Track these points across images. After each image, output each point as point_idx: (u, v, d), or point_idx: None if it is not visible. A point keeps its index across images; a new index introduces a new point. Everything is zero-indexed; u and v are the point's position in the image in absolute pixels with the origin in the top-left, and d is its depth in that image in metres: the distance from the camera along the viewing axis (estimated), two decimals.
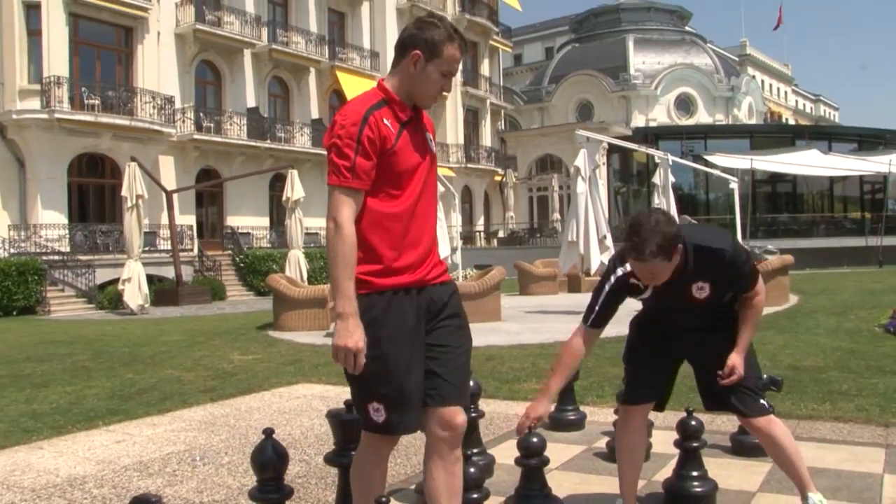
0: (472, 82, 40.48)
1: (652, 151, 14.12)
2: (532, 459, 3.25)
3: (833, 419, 4.99)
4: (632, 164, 39.30)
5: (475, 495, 3.31)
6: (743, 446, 4.21)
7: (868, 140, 36.11)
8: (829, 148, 33.34)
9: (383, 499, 2.36)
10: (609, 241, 13.80)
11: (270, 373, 7.48)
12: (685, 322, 3.11)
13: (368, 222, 2.51)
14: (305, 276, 20.70)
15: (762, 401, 3.07)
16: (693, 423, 3.50)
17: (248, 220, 28.20)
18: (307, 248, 22.61)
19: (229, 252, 25.90)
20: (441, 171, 16.37)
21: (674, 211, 14.97)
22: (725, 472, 3.80)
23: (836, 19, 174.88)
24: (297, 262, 20.42)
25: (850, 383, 5.96)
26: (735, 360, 2.98)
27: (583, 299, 13.62)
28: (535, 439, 3.27)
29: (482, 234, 40.52)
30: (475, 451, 3.93)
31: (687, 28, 55.73)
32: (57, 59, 22.40)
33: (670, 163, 13.27)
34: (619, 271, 3.01)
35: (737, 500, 3.51)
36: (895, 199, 34.99)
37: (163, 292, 20.86)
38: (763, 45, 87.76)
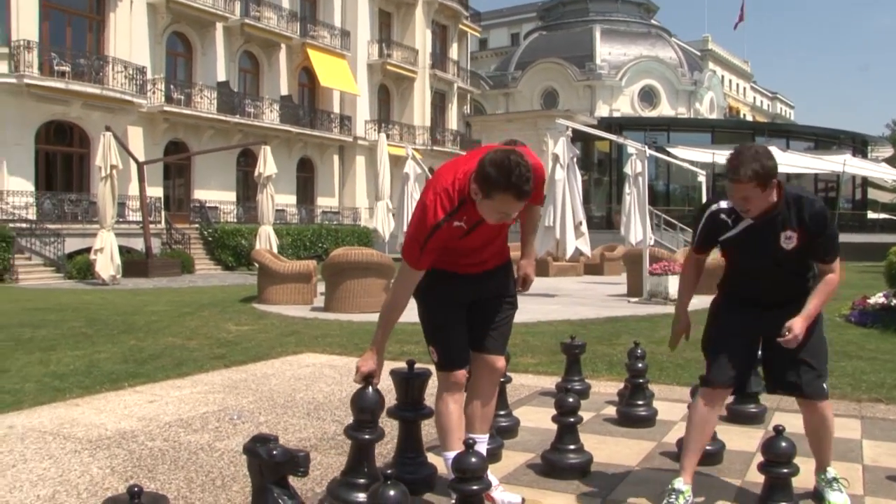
0: (440, 65, 40.65)
1: (631, 143, 14.56)
2: (569, 417, 3.63)
3: None
4: (594, 153, 39.93)
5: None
6: (739, 415, 4.65)
7: (823, 139, 37.26)
8: (787, 145, 34.34)
9: (470, 440, 2.71)
10: (584, 228, 14.26)
11: (273, 342, 7.75)
12: (764, 288, 3.25)
13: (443, 256, 3.07)
14: (276, 251, 20.80)
15: (824, 384, 3.22)
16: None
17: (216, 195, 28.12)
18: (275, 225, 22.66)
19: (197, 226, 25.84)
20: (404, 152, 16.45)
21: (646, 202, 15.47)
22: (726, 436, 4.20)
23: (796, 19, 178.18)
24: (267, 238, 20.51)
25: None
26: (797, 322, 3.07)
27: (554, 283, 14.19)
28: (570, 399, 3.65)
29: None
30: (502, 412, 4.28)
31: (653, 21, 56.52)
32: (26, 23, 22.02)
33: (647, 155, 13.72)
34: (712, 207, 3.25)
35: (738, 458, 3.94)
36: (846, 198, 36.21)
37: (132, 264, 20.79)
38: (724, 41, 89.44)
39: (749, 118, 66.11)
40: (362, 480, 3.07)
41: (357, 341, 7.86)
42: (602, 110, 48.32)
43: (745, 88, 73.69)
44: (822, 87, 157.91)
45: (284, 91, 31.61)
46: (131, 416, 4.73)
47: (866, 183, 37.42)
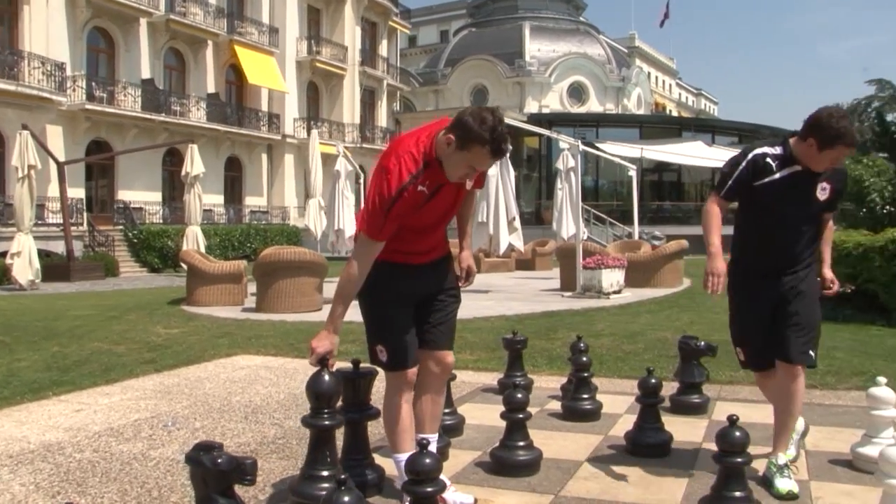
0: (369, 62, 40.36)
1: (564, 138, 14.64)
2: (518, 413, 3.56)
3: (751, 384, 5.52)
4: (523, 150, 40.19)
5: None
6: (682, 406, 4.66)
7: (746, 134, 38.25)
8: (712, 140, 35.18)
9: (424, 440, 2.61)
10: (517, 223, 14.28)
11: (205, 345, 7.50)
12: (782, 246, 3.45)
13: (389, 242, 2.96)
14: (203, 252, 20.31)
15: (811, 353, 3.46)
16: (653, 381, 3.91)
17: (141, 195, 27.30)
18: (202, 225, 22.10)
19: (121, 227, 25.04)
20: (334, 150, 16.09)
21: (578, 197, 15.58)
22: (671, 428, 4.19)
23: (719, 17, 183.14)
24: (195, 239, 20.03)
25: None
26: (828, 272, 3.66)
27: (486, 279, 14.13)
28: (519, 395, 3.58)
29: None
30: (447, 411, 4.19)
31: (581, 18, 57.25)
32: None
33: (581, 150, 13.81)
34: (756, 151, 3.44)
35: (686, 449, 3.93)
36: None
37: (52, 267, 20.01)
38: (650, 38, 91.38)
39: (674, 114, 67.56)
40: (325, 472, 2.91)
41: (292, 341, 7.67)
42: (531, 107, 48.71)
43: (670, 85, 75.31)
44: (743, 83, 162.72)
45: (211, 89, 30.90)
46: (56, 428, 4.48)
47: None
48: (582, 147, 14.27)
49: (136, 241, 23.94)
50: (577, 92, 51.07)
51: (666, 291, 12.82)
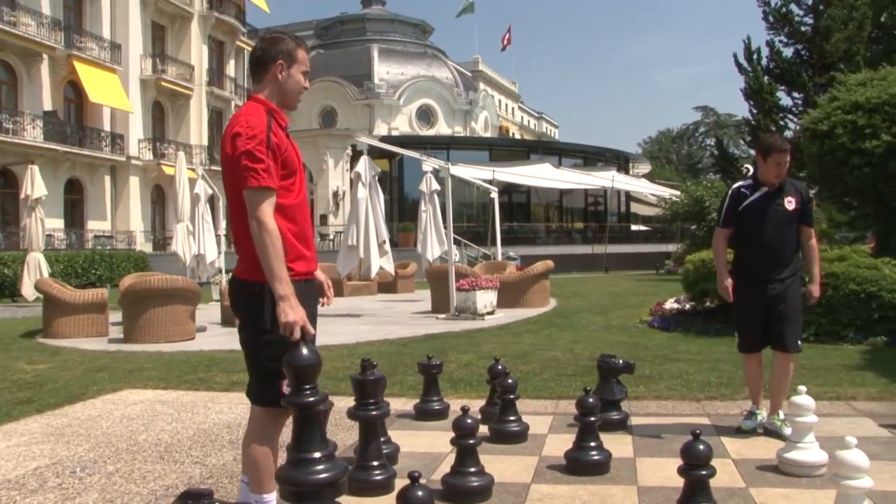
0: (217, 82, 39.28)
1: (434, 160, 14.77)
2: (469, 439, 3.54)
3: (654, 398, 5.78)
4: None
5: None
6: (603, 423, 4.78)
7: (591, 157, 40.06)
8: (559, 162, 36.56)
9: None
10: (388, 246, 14.27)
11: (83, 380, 6.97)
12: (769, 256, 4.54)
13: (277, 215, 2.87)
14: (36, 280, 18.99)
15: (799, 341, 4.63)
16: (591, 400, 4.00)
17: None
18: (44, 252, 20.62)
19: None
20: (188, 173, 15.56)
21: (440, 218, 15.74)
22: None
23: (559, 42, 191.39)
24: (37, 266, 18.69)
25: (649, 369, 6.83)
26: (815, 288, 4.71)
27: (351, 303, 14.00)
28: (469, 420, 3.56)
29: (222, 238, 39.35)
30: (382, 439, 4.10)
31: (428, 42, 58.19)
32: None
33: (451, 173, 13.98)
34: (734, 186, 4.75)
35: (623, 465, 4.04)
36: (612, 211, 39.17)
37: None
38: (493, 62, 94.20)
39: (518, 136, 69.83)
40: (317, 454, 2.65)
41: (178, 373, 7.28)
42: (381, 129, 48.92)
43: (513, 108, 77.81)
44: (582, 107, 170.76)
45: (48, 106, 29.01)
46: None
47: (629, 197, 40.71)
48: (449, 168, 14.43)
49: None
50: (425, 115, 51.79)
51: (537, 311, 13.15)
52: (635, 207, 42.24)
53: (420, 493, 2.43)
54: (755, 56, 25.00)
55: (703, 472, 3.04)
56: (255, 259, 2.84)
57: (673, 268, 28.10)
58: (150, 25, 34.59)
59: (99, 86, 30.42)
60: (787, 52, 25.30)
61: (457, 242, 31.97)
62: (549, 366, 7.23)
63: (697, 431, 3.09)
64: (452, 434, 4.70)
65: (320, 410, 2.81)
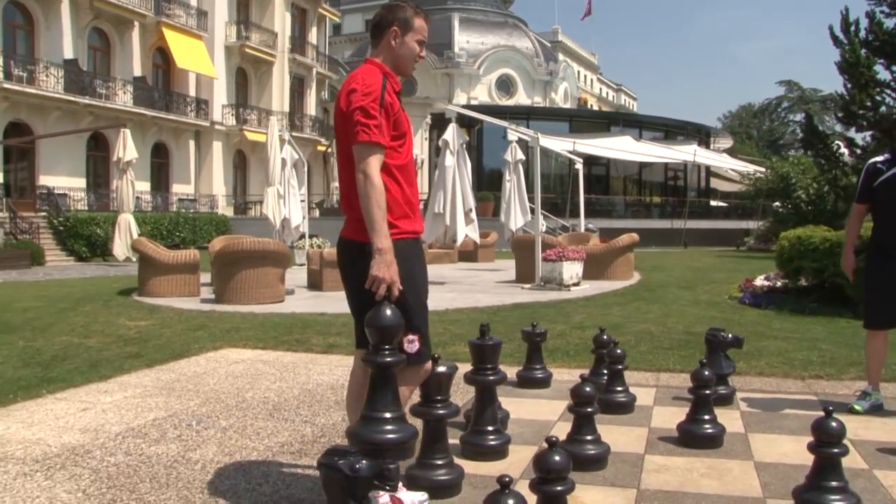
0: (299, 49, 39.65)
1: (525, 131, 14.64)
2: (587, 407, 3.51)
3: (757, 374, 5.64)
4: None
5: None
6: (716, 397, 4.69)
7: (672, 130, 39.14)
8: (640, 135, 35.83)
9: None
10: (474, 214, 14.24)
11: (185, 338, 7.19)
12: None
13: (384, 174, 2.91)
14: (132, 240, 19.62)
15: None
16: (706, 373, 3.92)
17: (64, 181, 26.17)
18: (133, 213, 21.30)
19: (44, 214, 23.91)
20: (263, 138, 15.55)
21: (524, 188, 15.63)
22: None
23: (637, 13, 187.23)
24: (127, 227, 19.35)
25: (747, 346, 6.60)
26: None
27: (433, 270, 13.77)
28: (588, 389, 3.52)
29: (305, 203, 39.92)
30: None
31: (509, 11, 57.54)
32: None
33: (540, 142, 13.84)
34: (869, 161, 4.68)
35: (736, 439, 3.94)
36: (692, 187, 38.28)
37: None
38: (573, 32, 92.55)
39: (596, 108, 68.76)
40: (388, 414, 2.60)
41: (275, 334, 7.44)
42: (460, 98, 48.73)
43: (592, 80, 76.56)
44: (660, 79, 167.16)
45: (138, 72, 29.81)
46: (71, 428, 4.19)
47: (710, 172, 39.73)
48: (532, 138, 14.26)
49: (62, 228, 22.85)
50: (505, 84, 51.37)
51: (622, 284, 12.98)
52: (715, 183, 41.20)
53: (557, 457, 2.41)
54: (853, 28, 23.82)
55: (836, 450, 2.93)
56: (362, 219, 2.86)
57: (755, 245, 27.41)
58: None
59: (186, 52, 31.07)
60: (889, 23, 24.05)
61: (533, 213, 31.91)
62: (644, 338, 7.12)
63: (830, 408, 2.98)
64: (557, 402, 4.75)
65: (396, 371, 2.72)
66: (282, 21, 37.49)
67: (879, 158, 4.62)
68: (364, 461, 2.18)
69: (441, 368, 3.08)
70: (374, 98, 2.87)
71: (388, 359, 2.64)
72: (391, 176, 2.95)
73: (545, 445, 2.62)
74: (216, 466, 3.53)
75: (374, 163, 2.85)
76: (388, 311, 2.67)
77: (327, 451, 2.25)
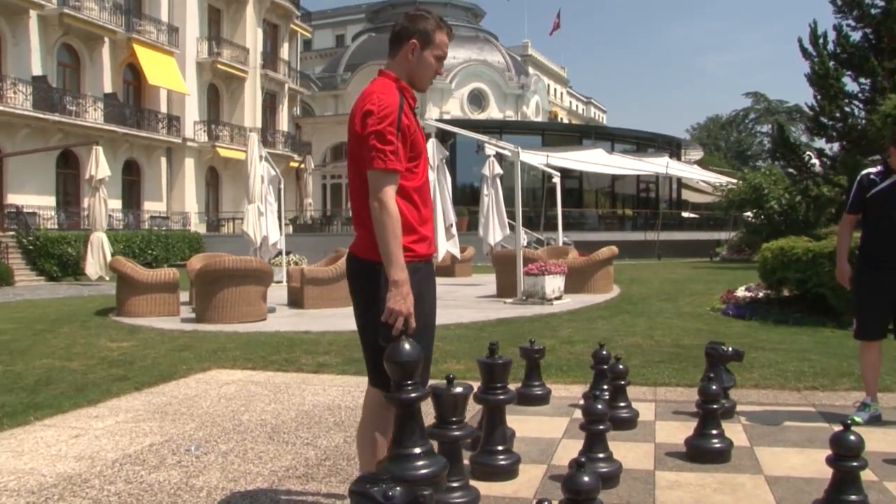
0: (271, 65, 39.51)
1: (504, 145, 14.66)
2: (599, 425, 3.47)
3: (753, 387, 5.65)
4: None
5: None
6: None
7: (643, 142, 39.51)
8: (611, 148, 36.11)
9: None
10: (454, 230, 14.20)
11: (172, 359, 7.06)
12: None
13: (400, 197, 2.80)
14: (110, 260, 19.31)
15: None
16: (713, 387, 3.90)
17: (33, 199, 25.73)
18: (106, 231, 20.97)
19: (12, 233, 23.45)
20: (236, 155, 15.47)
21: (502, 202, 15.69)
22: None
23: (606, 27, 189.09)
24: (100, 246, 18.99)
25: None
26: None
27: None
28: (599, 406, 3.49)
29: (281, 220, 39.63)
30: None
31: (480, 26, 57.81)
32: None
33: (520, 157, 13.86)
34: (863, 172, 4.71)
35: (743, 453, 3.92)
36: (664, 198, 38.61)
37: None
38: (542, 47, 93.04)
39: (566, 121, 69.18)
40: (418, 450, 2.55)
41: (262, 353, 7.33)
42: (433, 113, 48.72)
43: (562, 93, 77.05)
44: (629, 92, 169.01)
45: (108, 88, 29.46)
46: (65, 456, 4.07)
47: (681, 184, 40.10)
48: (510, 152, 14.27)
49: (31, 248, 22.45)
50: (477, 99, 51.51)
51: (603, 297, 13.01)
52: (686, 194, 41.59)
53: (586, 478, 2.37)
54: (821, 40, 24.26)
55: (855, 464, 2.93)
56: (374, 238, 2.78)
57: (728, 255, 27.68)
58: (206, 9, 34.87)
59: (157, 68, 30.80)
60: (855, 36, 24.55)
61: (512, 227, 31.97)
62: (634, 352, 7.12)
63: (848, 422, 2.99)
64: (559, 419, 4.71)
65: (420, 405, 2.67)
66: (253, 37, 37.35)
67: (873, 170, 4.69)
68: (398, 488, 2.12)
69: (457, 389, 3.02)
70: (390, 122, 2.75)
71: (412, 395, 2.58)
72: (407, 199, 2.85)
73: (567, 466, 2.59)
74: (222, 493, 3.44)
75: (390, 191, 2.74)
76: (408, 346, 2.61)
77: (358, 479, 2.18)
